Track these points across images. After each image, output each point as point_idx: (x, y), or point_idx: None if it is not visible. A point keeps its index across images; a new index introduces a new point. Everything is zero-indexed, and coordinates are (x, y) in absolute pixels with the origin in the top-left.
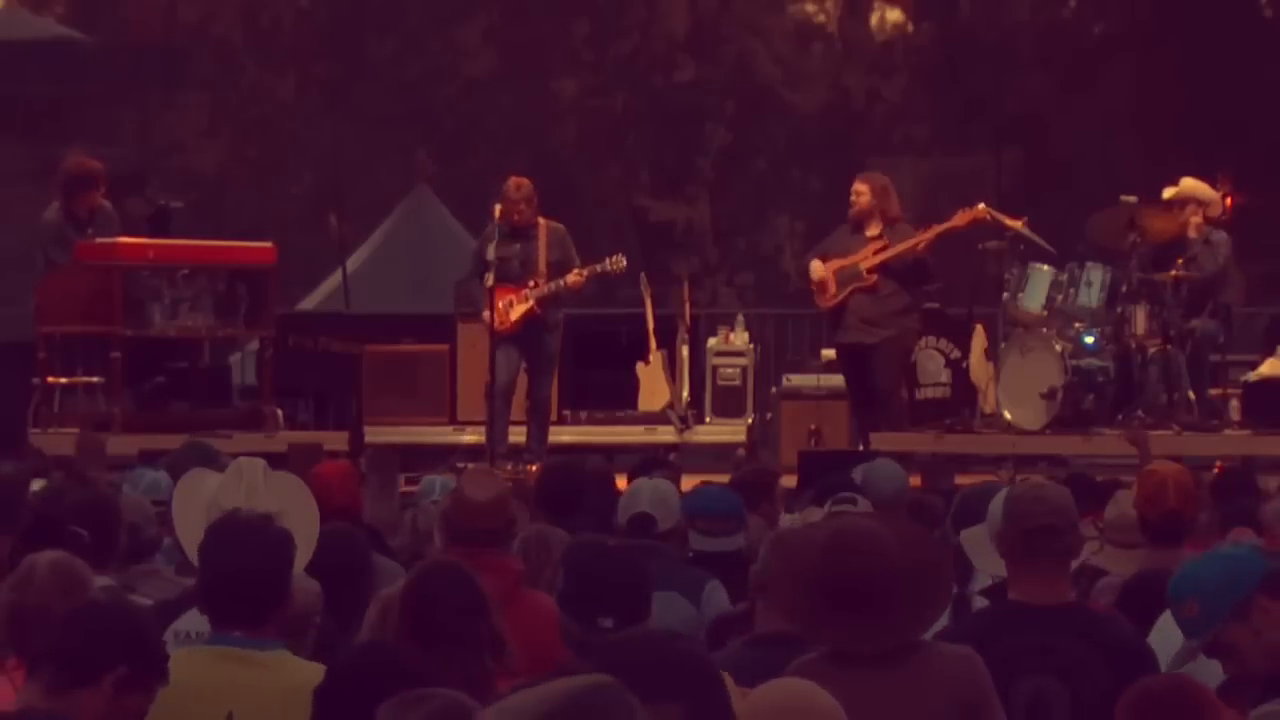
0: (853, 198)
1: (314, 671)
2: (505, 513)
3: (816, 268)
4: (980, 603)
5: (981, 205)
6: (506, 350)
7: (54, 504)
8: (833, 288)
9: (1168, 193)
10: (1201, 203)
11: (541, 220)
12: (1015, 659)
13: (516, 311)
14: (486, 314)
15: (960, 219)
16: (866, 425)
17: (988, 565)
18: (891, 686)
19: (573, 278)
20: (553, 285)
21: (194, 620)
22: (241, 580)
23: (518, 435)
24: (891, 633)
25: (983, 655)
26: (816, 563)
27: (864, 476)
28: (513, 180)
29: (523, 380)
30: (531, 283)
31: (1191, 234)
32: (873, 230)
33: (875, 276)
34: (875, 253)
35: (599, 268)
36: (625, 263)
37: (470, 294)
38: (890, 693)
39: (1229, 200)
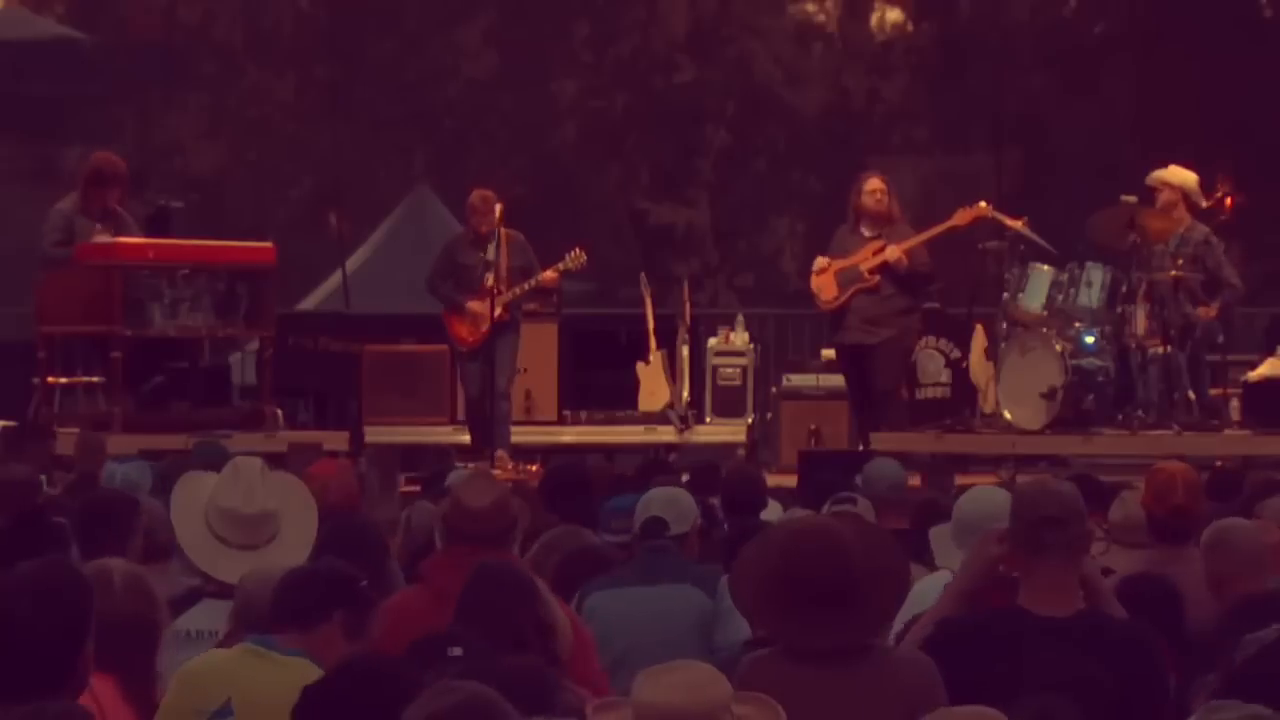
0: (878, 195)
1: None
2: (505, 515)
3: (820, 285)
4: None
5: (983, 203)
6: (474, 363)
7: (50, 500)
8: (834, 289)
9: (1150, 178)
10: (1175, 188)
11: (502, 229)
12: (1022, 673)
13: (485, 323)
14: (459, 326)
15: (961, 217)
16: (866, 425)
17: (952, 562)
18: (845, 687)
19: (548, 274)
20: (527, 284)
21: (196, 618)
22: (287, 589)
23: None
24: (848, 630)
25: (989, 667)
26: (774, 559)
27: (862, 475)
28: (479, 193)
29: None
30: (495, 289)
31: (1175, 225)
32: (870, 230)
33: (877, 277)
34: (874, 253)
35: (562, 267)
36: (585, 258)
37: (448, 298)
38: (844, 693)
39: (1229, 200)
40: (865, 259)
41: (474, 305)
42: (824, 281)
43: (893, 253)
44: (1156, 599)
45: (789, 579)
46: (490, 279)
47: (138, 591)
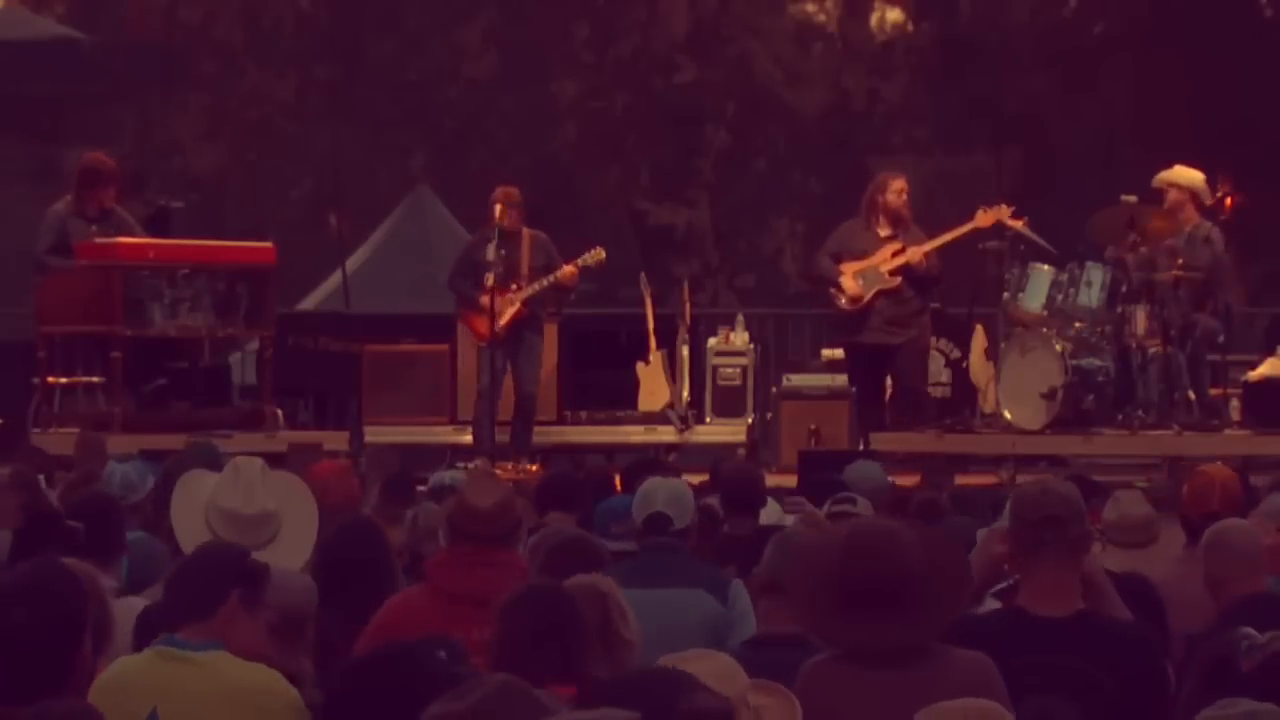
0: (905, 196)
1: (244, 673)
2: (510, 515)
3: (850, 285)
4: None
5: (1004, 205)
6: (494, 354)
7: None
8: (857, 290)
9: (1157, 179)
10: (1183, 188)
11: (525, 229)
12: (1022, 675)
13: (506, 316)
14: (472, 322)
15: (984, 219)
16: (870, 425)
17: None
18: (905, 689)
19: (567, 270)
20: (545, 281)
21: None
22: (179, 583)
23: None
24: (909, 632)
25: None
26: (836, 562)
27: (844, 478)
28: (504, 189)
29: (509, 379)
30: (514, 285)
31: (1182, 225)
32: (885, 230)
33: (899, 278)
34: (894, 254)
35: (581, 262)
36: (604, 255)
37: (465, 294)
38: (903, 695)
39: (1229, 200)
40: (885, 260)
41: (488, 301)
42: (845, 282)
43: (915, 254)
44: (1135, 598)
45: (848, 581)
46: (490, 278)
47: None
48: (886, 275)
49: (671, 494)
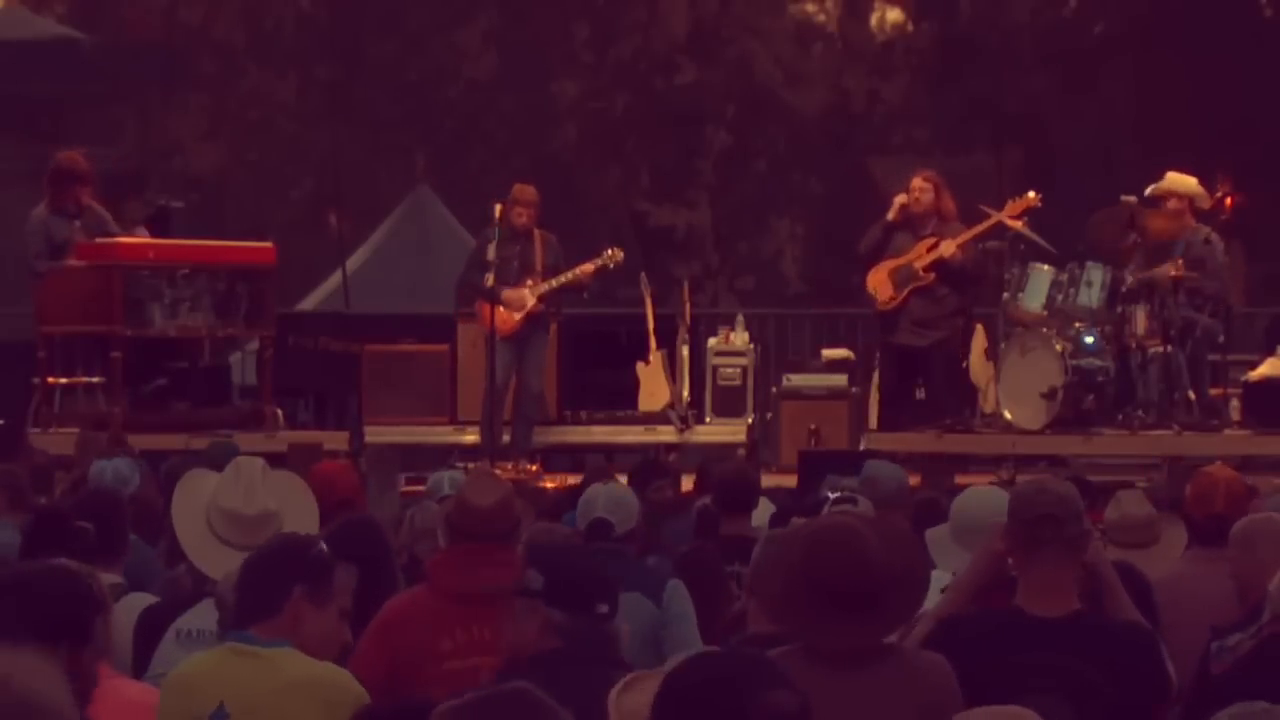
0: (916, 194)
1: (312, 668)
2: (509, 515)
3: (884, 284)
4: None
5: (1031, 193)
6: (504, 352)
7: (61, 501)
8: (890, 289)
9: (1153, 190)
10: (1182, 196)
11: (536, 230)
12: (1019, 676)
13: (523, 310)
14: (486, 316)
15: (1012, 209)
16: (890, 427)
17: (950, 564)
18: (863, 687)
19: (585, 269)
20: (566, 276)
21: (196, 618)
22: (245, 582)
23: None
24: (869, 633)
25: (985, 668)
26: (799, 561)
27: (863, 476)
28: (519, 186)
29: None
30: (531, 282)
31: (1182, 230)
32: (923, 228)
33: (933, 275)
34: (928, 250)
35: (600, 263)
36: (621, 256)
37: (475, 292)
38: (862, 694)
39: (1229, 200)
40: (920, 256)
41: (510, 294)
42: (879, 280)
43: (948, 247)
44: (1128, 593)
45: (812, 582)
46: (490, 278)
47: None
48: (921, 271)
49: (612, 499)
